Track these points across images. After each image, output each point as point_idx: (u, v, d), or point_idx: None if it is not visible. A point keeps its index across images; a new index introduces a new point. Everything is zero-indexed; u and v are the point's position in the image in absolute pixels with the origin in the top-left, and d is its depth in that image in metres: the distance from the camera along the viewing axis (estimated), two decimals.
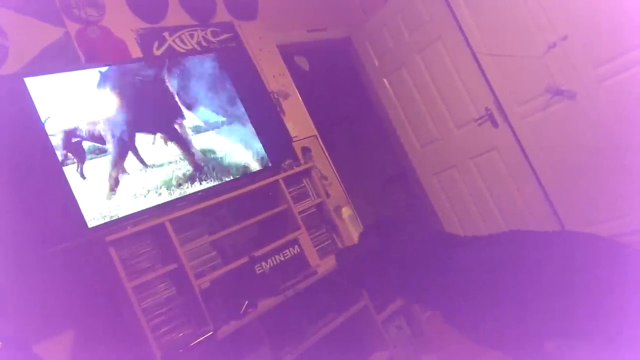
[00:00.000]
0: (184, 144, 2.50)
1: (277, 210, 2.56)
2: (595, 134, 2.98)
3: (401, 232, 1.70)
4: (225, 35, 3.21)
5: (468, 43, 3.34)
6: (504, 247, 1.55)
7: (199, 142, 2.55)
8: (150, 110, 2.51)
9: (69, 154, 2.16)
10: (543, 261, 1.43)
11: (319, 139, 3.44)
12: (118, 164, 2.27)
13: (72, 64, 2.47)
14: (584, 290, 1.31)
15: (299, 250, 2.50)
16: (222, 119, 2.68)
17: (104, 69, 2.40)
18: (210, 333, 1.94)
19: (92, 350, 2.09)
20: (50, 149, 2.08)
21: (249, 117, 2.78)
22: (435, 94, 3.67)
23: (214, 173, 2.52)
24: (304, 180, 2.79)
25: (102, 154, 2.25)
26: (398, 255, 1.64)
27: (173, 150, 2.46)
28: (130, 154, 2.32)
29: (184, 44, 2.99)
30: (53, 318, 2.06)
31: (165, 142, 2.46)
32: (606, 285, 1.30)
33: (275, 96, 3.28)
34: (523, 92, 3.22)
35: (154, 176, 2.33)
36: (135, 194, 2.23)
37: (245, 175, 2.61)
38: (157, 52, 2.85)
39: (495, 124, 3.40)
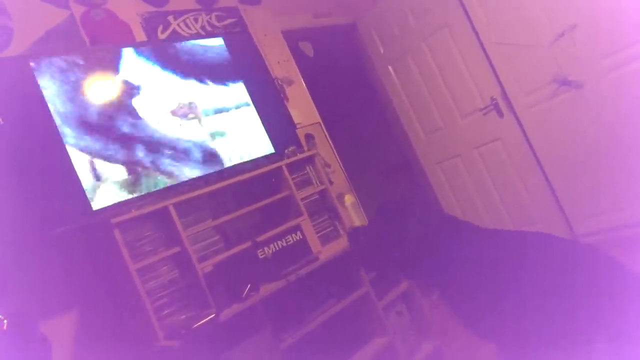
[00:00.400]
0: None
1: (280, 196, 2.57)
2: (602, 124, 2.97)
3: (411, 215, 1.70)
4: (229, 20, 3.20)
5: (475, 31, 3.32)
6: (506, 243, 1.55)
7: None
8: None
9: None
10: (544, 262, 1.43)
11: (323, 126, 3.43)
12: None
13: (76, 47, 2.47)
14: (584, 293, 1.32)
15: (301, 237, 2.52)
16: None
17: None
18: (213, 316, 1.96)
19: (96, 331, 2.12)
20: (55, 131, 2.09)
21: (253, 102, 2.77)
22: (440, 83, 3.65)
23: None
24: (307, 167, 2.79)
25: None
26: (405, 238, 1.64)
27: None
28: None
29: (189, 28, 2.98)
30: (58, 299, 2.08)
31: None
32: (606, 289, 1.31)
33: (280, 82, 3.27)
34: (530, 81, 3.20)
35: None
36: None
37: (249, 161, 2.61)
38: (162, 36, 2.85)
39: (500, 114, 3.39)
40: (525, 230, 1.71)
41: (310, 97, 3.47)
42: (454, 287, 1.56)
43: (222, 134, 2.60)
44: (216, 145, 2.56)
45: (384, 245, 1.68)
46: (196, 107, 2.57)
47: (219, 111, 2.65)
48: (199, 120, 2.55)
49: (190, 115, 2.53)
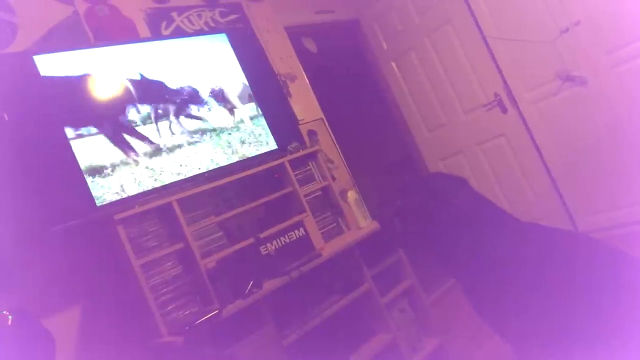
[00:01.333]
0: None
1: (282, 192, 2.57)
2: (606, 121, 2.96)
3: (442, 193, 1.68)
4: (233, 16, 3.19)
5: (479, 27, 3.31)
6: (511, 236, 1.54)
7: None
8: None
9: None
10: (545, 257, 1.43)
11: (326, 122, 3.43)
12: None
13: (80, 43, 2.47)
14: (587, 288, 1.32)
15: (304, 233, 2.52)
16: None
17: None
18: (216, 312, 1.96)
19: (100, 327, 2.13)
20: (59, 126, 2.09)
21: (256, 98, 2.77)
22: (443, 79, 3.64)
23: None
24: (310, 164, 2.78)
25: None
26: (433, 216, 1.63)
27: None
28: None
29: (192, 24, 2.98)
30: (62, 295, 2.09)
31: None
32: (608, 284, 1.31)
33: (282, 78, 3.27)
34: (533, 77, 3.19)
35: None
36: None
37: (252, 157, 2.61)
38: (165, 32, 2.84)
39: (504, 110, 3.38)
40: (535, 224, 1.68)
41: (313, 93, 3.46)
42: (473, 276, 1.56)
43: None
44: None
45: (413, 227, 1.68)
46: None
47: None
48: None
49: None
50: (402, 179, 1.78)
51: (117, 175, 2.17)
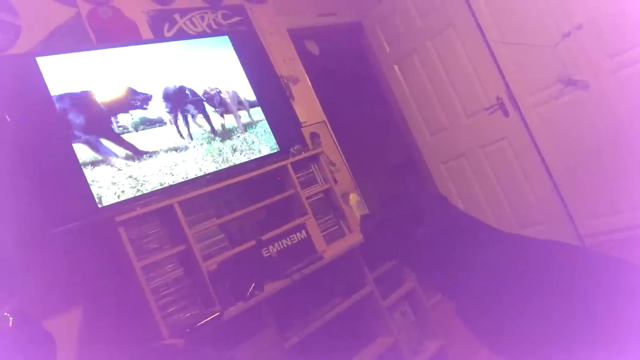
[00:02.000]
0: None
1: (284, 195, 2.57)
2: (608, 125, 2.95)
3: (424, 210, 1.67)
4: (235, 18, 3.20)
5: (481, 30, 3.31)
6: (513, 249, 1.54)
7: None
8: None
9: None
10: (546, 265, 1.43)
11: (328, 125, 3.43)
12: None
13: (83, 45, 2.47)
14: (584, 295, 1.31)
15: (305, 235, 2.51)
16: None
17: None
18: (217, 314, 1.96)
19: (101, 329, 2.12)
20: (62, 128, 2.09)
21: (259, 101, 2.77)
22: (446, 82, 3.64)
23: None
24: (312, 166, 2.78)
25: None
26: (416, 236, 1.62)
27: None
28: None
29: (195, 26, 2.98)
30: (62, 296, 2.09)
31: None
32: (607, 290, 1.31)
33: (285, 81, 3.27)
34: (535, 81, 3.19)
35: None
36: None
37: (254, 160, 2.61)
38: (168, 34, 2.85)
39: (506, 113, 3.38)
40: (527, 235, 1.68)
41: (315, 96, 3.46)
42: (455, 289, 1.55)
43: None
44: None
45: (394, 239, 1.66)
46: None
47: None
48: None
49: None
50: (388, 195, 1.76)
51: (97, 185, 2.10)
